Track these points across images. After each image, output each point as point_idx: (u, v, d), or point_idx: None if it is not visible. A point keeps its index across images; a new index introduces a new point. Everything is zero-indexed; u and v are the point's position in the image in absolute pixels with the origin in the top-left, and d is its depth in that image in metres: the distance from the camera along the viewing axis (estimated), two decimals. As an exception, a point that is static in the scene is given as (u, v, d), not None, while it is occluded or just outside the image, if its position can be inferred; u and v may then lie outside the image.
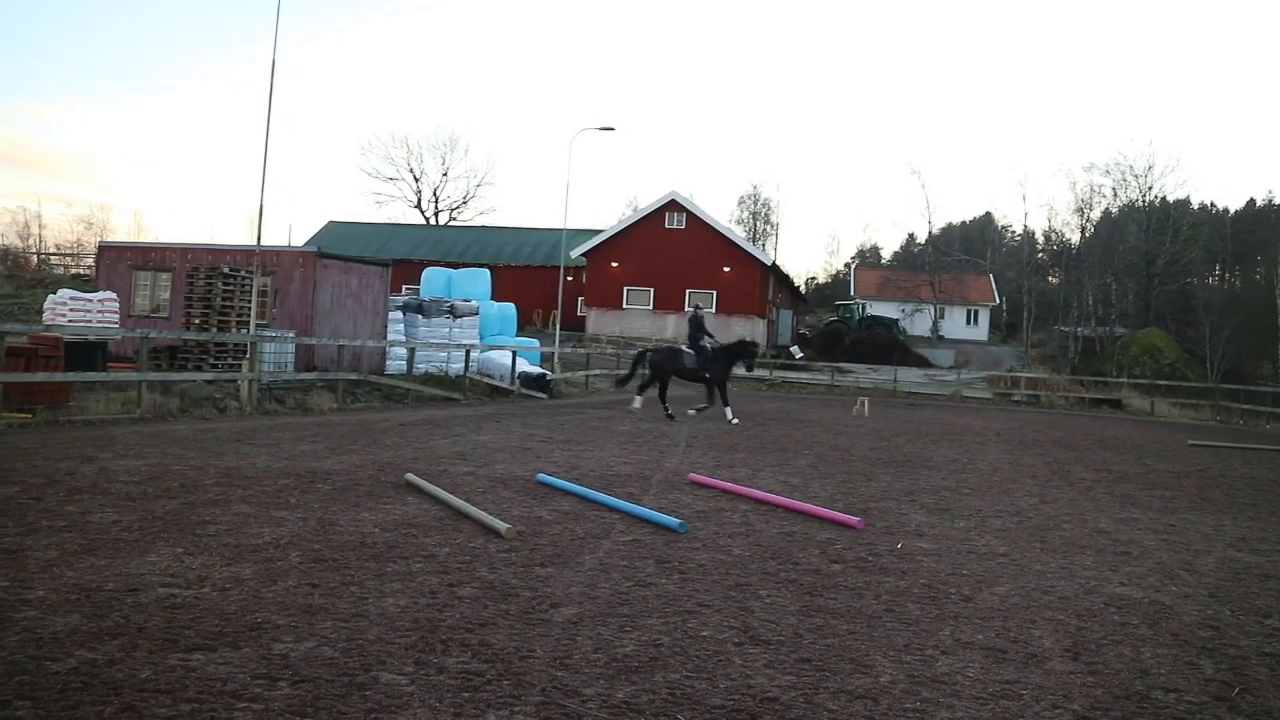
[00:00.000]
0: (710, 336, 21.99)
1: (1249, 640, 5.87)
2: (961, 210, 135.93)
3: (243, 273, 20.86)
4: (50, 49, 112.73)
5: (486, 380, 25.42)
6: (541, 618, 5.51)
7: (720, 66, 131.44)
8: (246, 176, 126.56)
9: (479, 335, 28.83)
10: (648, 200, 60.70)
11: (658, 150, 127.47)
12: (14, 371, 14.29)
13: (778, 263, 63.01)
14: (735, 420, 20.43)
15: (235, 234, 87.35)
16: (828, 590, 6.57)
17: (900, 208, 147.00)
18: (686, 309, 52.78)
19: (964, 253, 74.95)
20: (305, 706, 4.07)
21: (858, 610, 6.09)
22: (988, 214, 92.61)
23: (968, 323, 72.00)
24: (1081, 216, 70.01)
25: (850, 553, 7.81)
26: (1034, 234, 77.96)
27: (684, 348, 21.93)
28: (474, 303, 29.62)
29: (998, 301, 74.46)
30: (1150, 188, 66.59)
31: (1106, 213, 70.47)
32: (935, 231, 77.11)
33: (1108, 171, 68.03)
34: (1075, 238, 70.82)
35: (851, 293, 75.43)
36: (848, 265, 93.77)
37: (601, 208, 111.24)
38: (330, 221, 67.88)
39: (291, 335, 21.50)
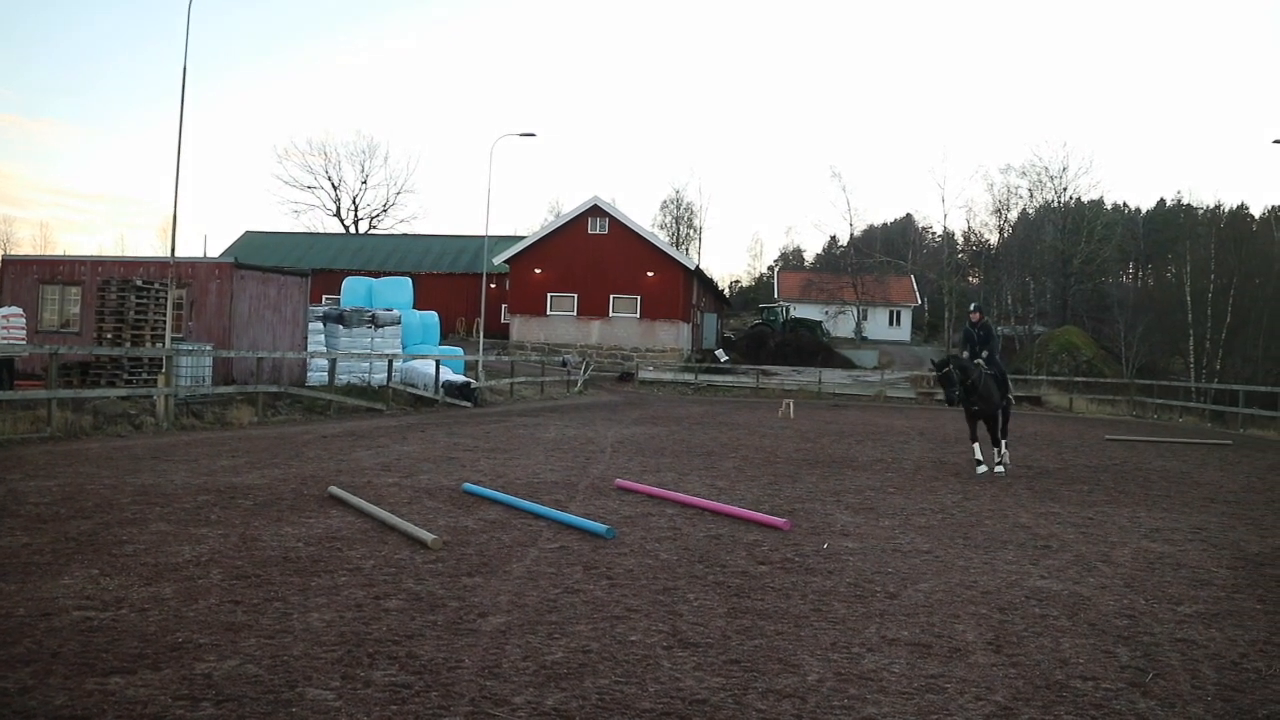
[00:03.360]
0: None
1: (1162, 627, 6.02)
2: (882, 212, 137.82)
3: (156, 285, 20.42)
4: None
5: (410, 390, 25.20)
6: (469, 627, 5.47)
7: (641, 70, 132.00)
8: (158, 186, 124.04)
9: (402, 345, 28.54)
10: (570, 206, 60.64)
11: (579, 155, 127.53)
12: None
13: (701, 267, 63.36)
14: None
15: (148, 246, 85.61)
16: (755, 591, 6.60)
17: (822, 210, 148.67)
18: (611, 315, 52.84)
19: (885, 254, 75.90)
20: (229, 726, 3.99)
21: (785, 610, 6.14)
22: (908, 215, 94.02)
23: (890, 324, 72.94)
24: (999, 217, 71.31)
25: (777, 554, 7.87)
26: (953, 235, 79.31)
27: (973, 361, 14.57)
28: (396, 312, 29.31)
29: (920, 302, 75.56)
30: (1065, 189, 68.03)
31: (1024, 213, 71.87)
32: (857, 234, 78.01)
33: (1024, 173, 69.36)
34: (994, 238, 72.17)
35: (775, 295, 75.98)
36: (771, 268, 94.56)
37: (524, 214, 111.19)
38: (247, 231, 66.77)
39: (209, 348, 21.08)
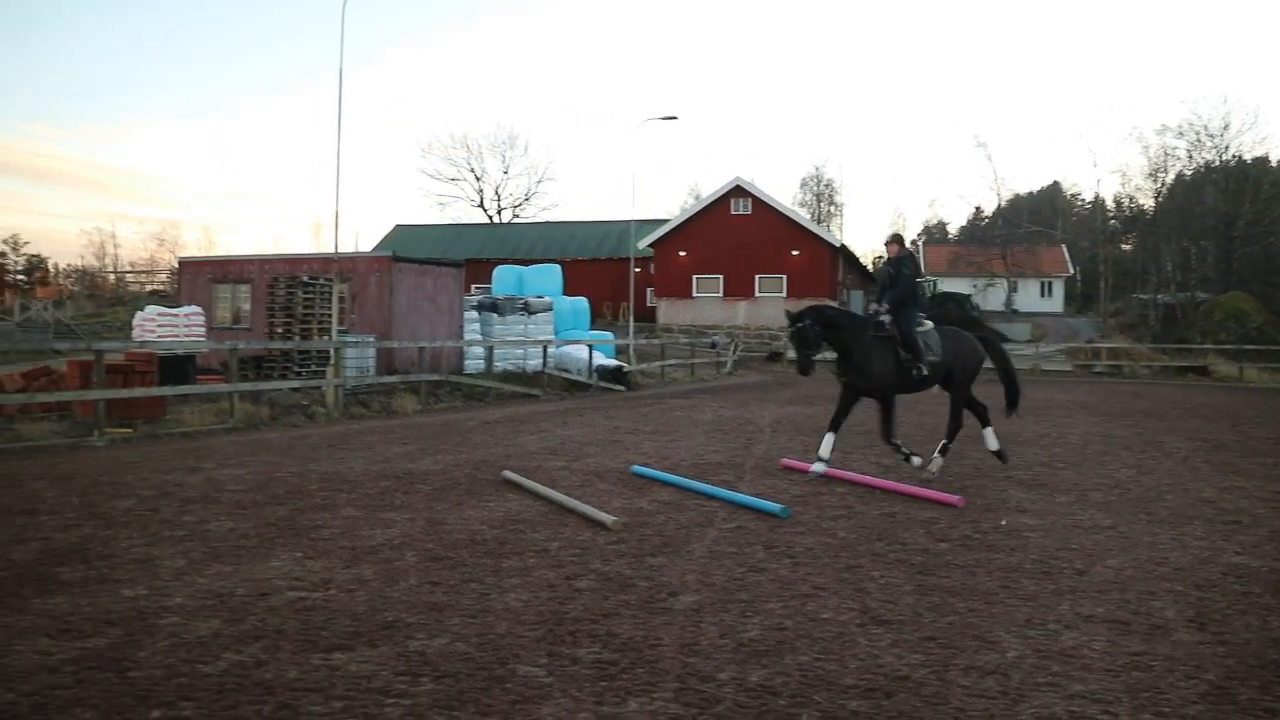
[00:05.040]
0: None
1: (1380, 604, 5.77)
2: (1028, 180, 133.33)
3: (322, 280, 21.21)
4: (105, 68, 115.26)
5: (564, 375, 25.59)
6: (662, 606, 5.58)
7: (777, 48, 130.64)
8: (308, 185, 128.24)
9: (554, 331, 29.01)
10: (711, 187, 60.55)
11: (717, 136, 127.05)
12: (113, 388, 14.68)
13: (845, 243, 62.56)
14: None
15: (302, 242, 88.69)
16: (939, 569, 6.56)
17: (966, 181, 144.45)
18: (757, 295, 52.67)
19: (1033, 223, 73.62)
20: (451, 700, 4.18)
21: (973, 587, 6.09)
22: (1055, 183, 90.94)
23: (1042, 295, 70.82)
24: (1155, 181, 68.35)
25: (955, 531, 7.79)
26: (1104, 201, 76.45)
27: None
28: (548, 299, 29.82)
29: (1072, 272, 73.17)
30: (1227, 147, 64.70)
31: (1180, 175, 68.71)
32: (1003, 203, 75.87)
33: (1181, 133, 66.21)
34: (1149, 203, 69.23)
35: (921, 270, 74.70)
36: (914, 242, 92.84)
37: (665, 197, 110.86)
38: (398, 225, 68.63)
39: (372, 340, 21.82)
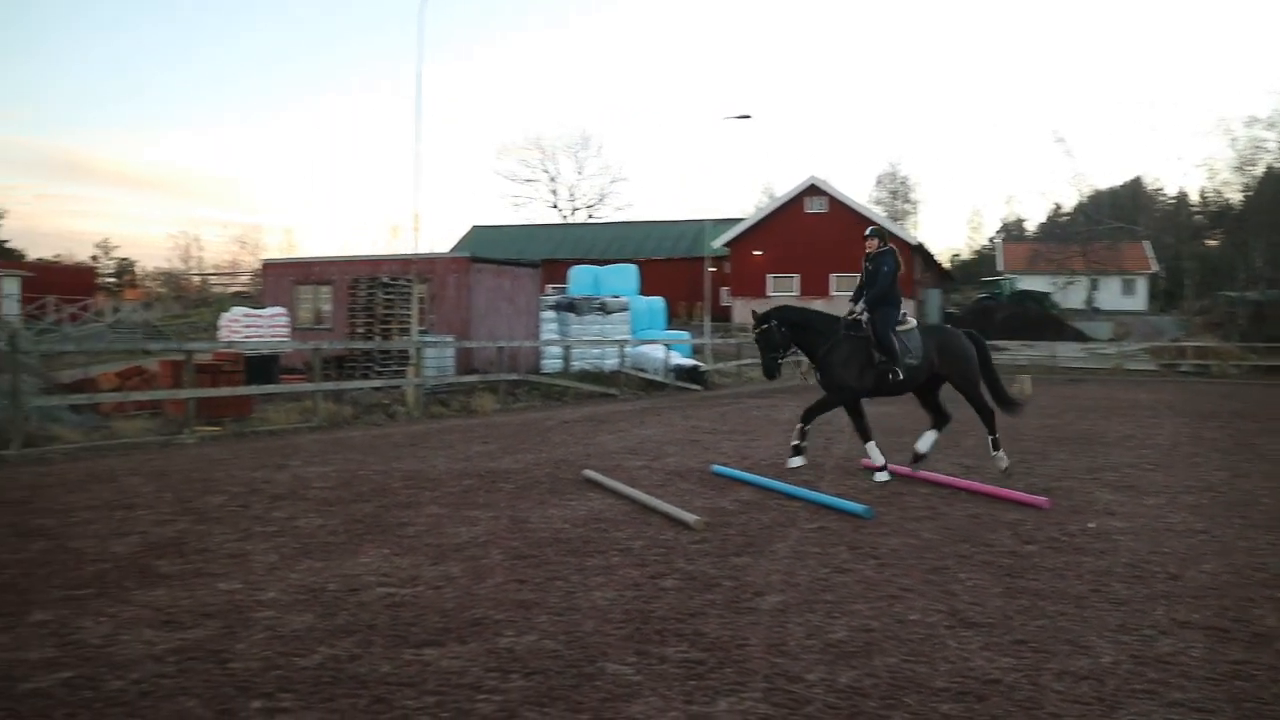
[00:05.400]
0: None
1: None
2: (1109, 175, 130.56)
3: (402, 281, 21.50)
4: (188, 74, 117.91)
5: (641, 374, 25.66)
6: (748, 606, 5.58)
7: (849, 45, 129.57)
8: (385, 187, 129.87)
9: (630, 330, 29.10)
10: (784, 185, 60.30)
11: (789, 134, 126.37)
12: (202, 387, 15.02)
13: (921, 241, 61.83)
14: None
15: (380, 243, 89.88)
16: (1028, 571, 6.47)
17: (1045, 177, 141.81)
18: (832, 294, 52.33)
19: (1115, 219, 71.97)
20: (542, 697, 4.23)
21: (1063, 591, 6.00)
22: (1137, 178, 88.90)
23: (1124, 293, 69.32)
24: (1243, 174, 66.36)
25: (1041, 533, 7.68)
26: (1189, 195, 74.52)
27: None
28: (624, 298, 29.93)
29: (1155, 269, 71.51)
30: (1321, 138, 62.61)
31: (1271, 169, 66.67)
32: (1083, 199, 74.33)
33: (1271, 124, 64.24)
34: (1237, 197, 67.27)
35: (998, 268, 73.46)
36: (992, 240, 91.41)
37: (739, 196, 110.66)
38: (475, 226, 69.31)
39: (451, 340, 22.08)
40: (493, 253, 36.59)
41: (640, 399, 23.12)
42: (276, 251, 76.97)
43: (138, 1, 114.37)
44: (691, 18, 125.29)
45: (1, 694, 4.32)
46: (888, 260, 10.32)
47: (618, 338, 26.71)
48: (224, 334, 23.14)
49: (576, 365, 25.77)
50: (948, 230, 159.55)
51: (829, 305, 51.37)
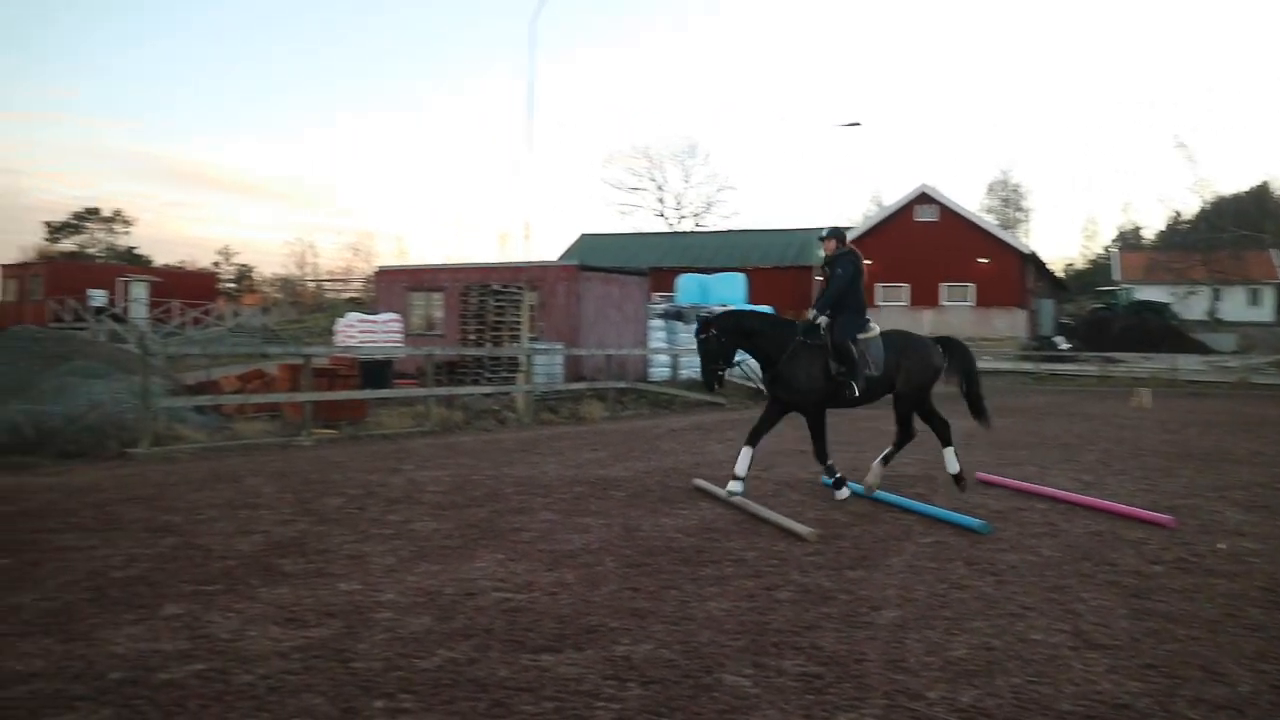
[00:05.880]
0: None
1: None
2: (1233, 181, 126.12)
3: (512, 288, 21.76)
4: (304, 87, 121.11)
5: (749, 384, 25.52)
6: (865, 620, 5.50)
7: (960, 50, 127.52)
8: (495, 194, 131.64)
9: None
10: (893, 194, 59.63)
11: (899, 141, 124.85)
12: (319, 390, 15.40)
13: (1033, 250, 60.49)
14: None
15: (489, 250, 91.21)
16: (1154, 592, 6.26)
17: (1165, 183, 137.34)
18: (942, 303, 51.53)
19: (1239, 226, 69.34)
20: (659, 706, 4.22)
21: (1193, 614, 5.78)
22: (1263, 184, 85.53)
23: (1250, 303, 66.78)
24: (1381, 178, 63.41)
25: (1168, 553, 7.42)
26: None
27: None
28: (730, 307, 29.84)
29: (1283, 278, 68.80)
30: None
31: None
32: (1206, 206, 71.82)
33: None
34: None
35: (1114, 277, 71.45)
36: (1108, 249, 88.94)
37: (846, 205, 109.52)
38: (583, 234, 69.84)
39: (560, 347, 22.26)
40: (601, 261, 36.87)
41: (748, 408, 22.97)
42: (388, 258, 78.69)
43: (254, 18, 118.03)
44: (800, 24, 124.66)
45: (139, 683, 4.47)
46: (844, 262, 9.61)
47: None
48: (339, 339, 23.67)
49: (684, 374, 25.77)
50: (1061, 238, 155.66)
51: (939, 315, 50.73)
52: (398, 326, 23.63)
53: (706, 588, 6.17)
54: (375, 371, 18.33)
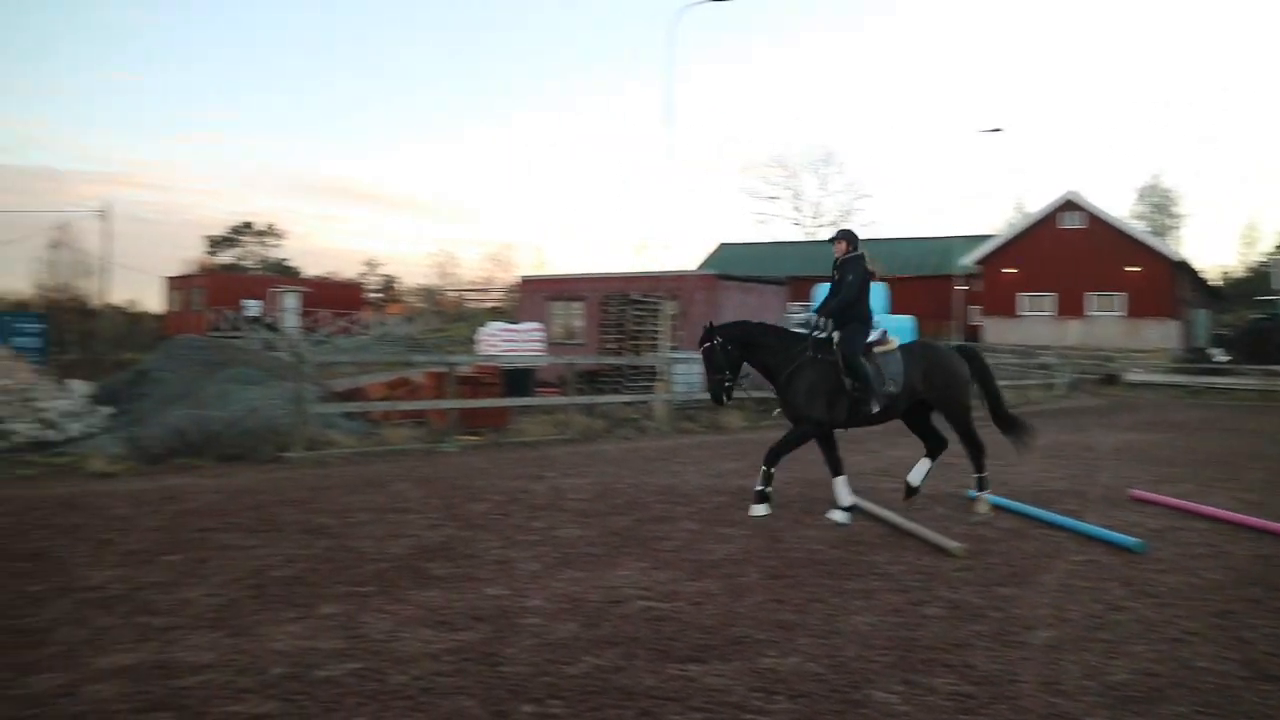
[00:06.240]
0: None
1: None
2: None
3: (652, 298, 21.87)
4: (443, 103, 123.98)
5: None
6: (1017, 640, 5.35)
7: (1106, 53, 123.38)
8: (633, 203, 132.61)
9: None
10: (1037, 200, 57.94)
11: (1044, 147, 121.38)
12: (463, 398, 15.72)
13: (1184, 258, 58.12)
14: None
15: (627, 260, 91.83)
16: (1333, 622, 5.93)
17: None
18: (1089, 313, 49.92)
19: None
20: (808, 721, 4.18)
21: (1377, 646, 5.46)
22: None
23: None
24: None
25: (1348, 579, 7.03)
26: None
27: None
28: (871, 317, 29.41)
29: None
30: None
31: None
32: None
33: None
34: None
35: (1276, 286, 68.09)
36: (1270, 256, 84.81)
37: (989, 212, 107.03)
38: (721, 244, 69.83)
39: (699, 356, 22.25)
40: (739, 270, 36.73)
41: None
42: (527, 268, 79.85)
43: (396, 41, 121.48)
44: (940, 27, 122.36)
45: (298, 679, 4.62)
46: (854, 266, 9.06)
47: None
48: (481, 348, 24.13)
49: (822, 384, 25.46)
50: (1217, 246, 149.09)
51: (1086, 326, 49.10)
52: (540, 335, 23.97)
53: (852, 601, 6.09)
54: (517, 380, 18.61)
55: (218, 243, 78.68)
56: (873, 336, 9.06)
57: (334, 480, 11.00)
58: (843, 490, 8.95)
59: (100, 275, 51.07)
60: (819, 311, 9.12)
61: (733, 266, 50.63)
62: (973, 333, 51.96)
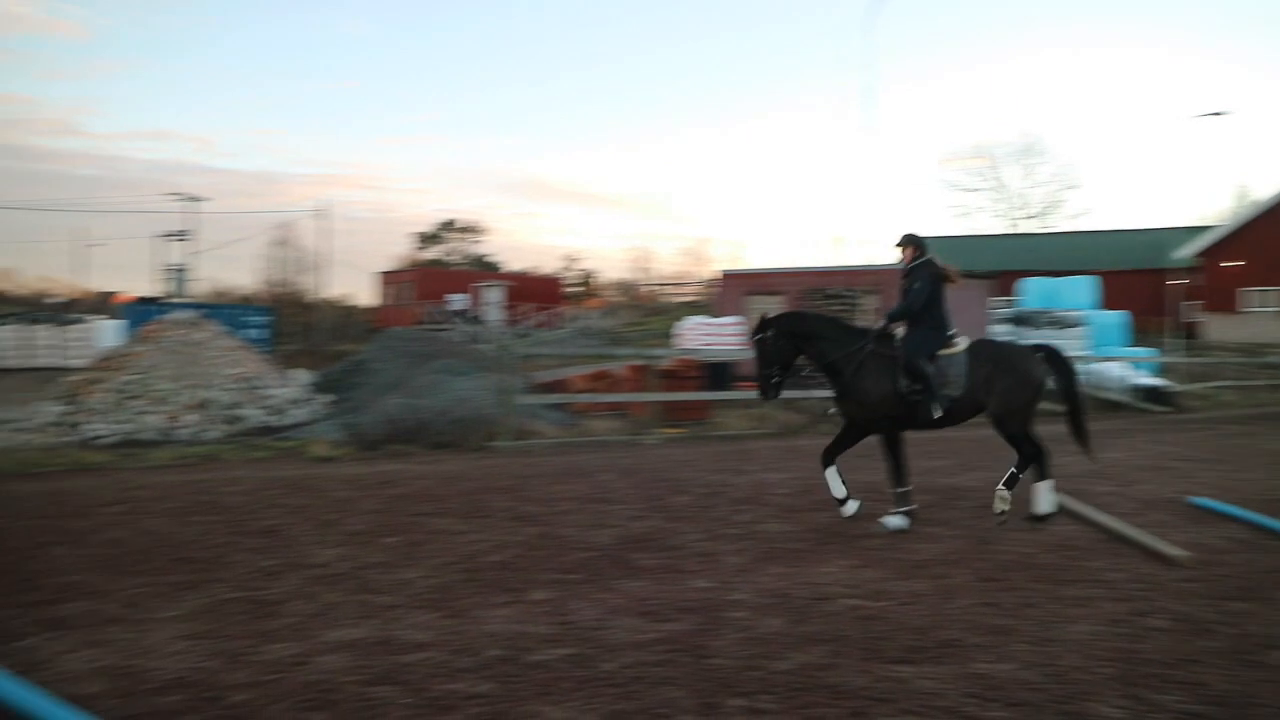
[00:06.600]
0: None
1: None
2: None
3: (851, 292, 21.57)
4: (639, 102, 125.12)
5: (1100, 394, 24.07)
6: (1254, 660, 5.03)
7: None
8: (829, 197, 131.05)
9: (1088, 347, 27.40)
10: (1263, 188, 54.32)
11: (1266, 130, 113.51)
12: (665, 392, 15.87)
13: None
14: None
15: (823, 254, 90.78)
16: None
17: None
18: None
19: None
20: (1027, 730, 4.04)
21: None
22: None
23: None
24: None
25: None
26: None
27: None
28: (1080, 312, 28.25)
29: None
30: None
31: None
32: None
33: None
34: None
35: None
36: None
37: (1209, 201, 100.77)
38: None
39: (899, 352, 21.84)
40: (940, 264, 35.77)
41: (1099, 420, 21.68)
42: (723, 263, 79.89)
43: (595, 42, 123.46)
44: (1154, 5, 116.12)
45: (511, 662, 4.77)
46: (922, 275, 8.61)
47: (1074, 354, 25.18)
48: (680, 341, 24.30)
49: (1029, 382, 24.58)
50: None
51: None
52: (739, 330, 23.96)
53: (1070, 609, 5.85)
54: (717, 373, 18.67)
55: (425, 239, 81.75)
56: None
57: (539, 469, 11.29)
58: (899, 512, 8.41)
59: (318, 271, 53.87)
60: (887, 317, 8.69)
61: (933, 260, 49.33)
62: (1190, 330, 49.19)
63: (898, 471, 8.57)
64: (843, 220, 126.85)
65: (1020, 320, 26.80)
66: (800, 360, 8.65)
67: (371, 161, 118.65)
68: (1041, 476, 8.48)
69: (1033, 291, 32.44)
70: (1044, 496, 8.46)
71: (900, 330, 8.52)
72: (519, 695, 4.37)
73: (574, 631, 5.26)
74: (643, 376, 16.28)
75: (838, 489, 8.43)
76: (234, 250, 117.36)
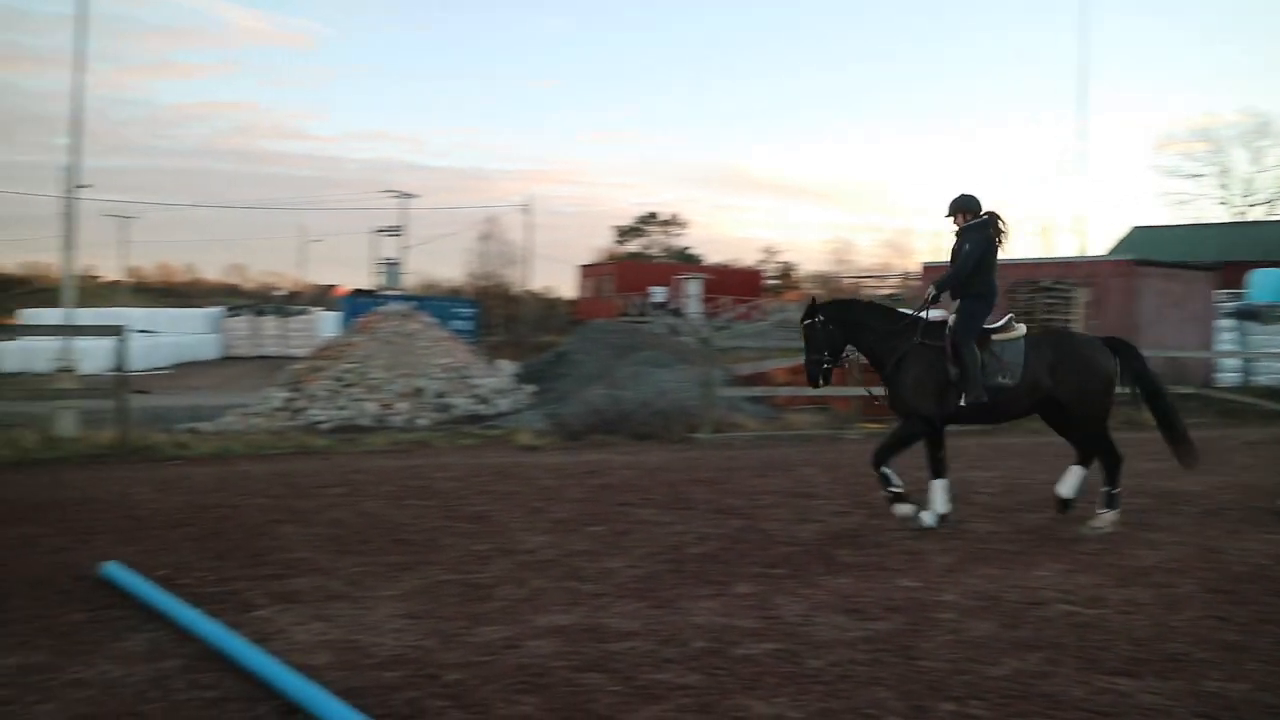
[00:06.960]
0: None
1: None
2: None
3: (1063, 285, 20.75)
4: (835, 94, 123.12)
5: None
6: None
7: None
8: (1037, 186, 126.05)
9: (1325, 344, 25.55)
10: None
11: None
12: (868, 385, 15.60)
13: None
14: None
15: (1030, 245, 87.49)
16: None
17: None
18: None
19: None
20: (1263, 753, 3.81)
21: None
22: None
23: None
24: None
25: None
26: None
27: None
28: (1317, 307, 26.33)
29: None
30: None
31: None
32: None
33: None
34: None
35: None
36: None
37: None
38: (1135, 227, 64.94)
39: (1114, 347, 20.88)
40: (1155, 255, 34.00)
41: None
42: (926, 255, 77.93)
43: (796, 37, 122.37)
44: None
45: (718, 654, 4.80)
46: (974, 237, 7.90)
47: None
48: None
49: (1260, 380, 23.14)
50: None
51: None
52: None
53: (1311, 627, 5.48)
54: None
55: (625, 233, 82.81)
56: (997, 324, 7.98)
57: (741, 462, 11.31)
58: (940, 495, 7.96)
59: (523, 264, 55.38)
60: (935, 284, 8.14)
61: (1147, 251, 46.85)
62: None
63: (938, 468, 8.02)
64: (1054, 210, 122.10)
65: (1247, 314, 25.17)
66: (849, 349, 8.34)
67: (574, 156, 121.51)
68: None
69: (1262, 284, 30.41)
70: (1071, 481, 8.21)
71: (951, 317, 7.98)
72: (726, 688, 4.39)
73: (779, 626, 5.25)
74: (846, 370, 16.06)
75: (941, 502, 7.97)
76: (443, 244, 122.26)
